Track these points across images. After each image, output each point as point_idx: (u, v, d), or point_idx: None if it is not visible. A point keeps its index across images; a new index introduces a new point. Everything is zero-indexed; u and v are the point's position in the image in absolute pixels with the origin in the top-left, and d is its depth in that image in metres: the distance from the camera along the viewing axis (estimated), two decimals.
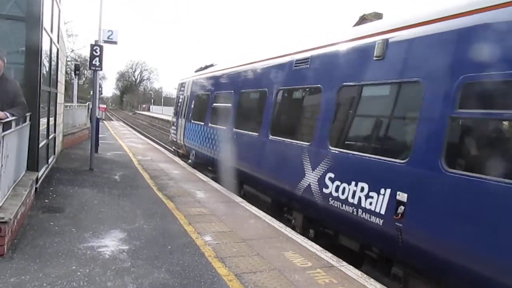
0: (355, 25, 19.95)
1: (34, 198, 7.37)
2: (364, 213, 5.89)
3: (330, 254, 5.96)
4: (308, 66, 7.92)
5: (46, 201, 7.65)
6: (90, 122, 15.16)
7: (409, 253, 5.29)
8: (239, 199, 9.27)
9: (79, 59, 52.70)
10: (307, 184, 7.31)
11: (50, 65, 9.40)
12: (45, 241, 5.51)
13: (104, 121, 39.18)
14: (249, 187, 10.42)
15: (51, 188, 8.60)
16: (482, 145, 4.87)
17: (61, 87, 13.17)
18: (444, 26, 5.16)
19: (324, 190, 6.80)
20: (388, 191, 5.48)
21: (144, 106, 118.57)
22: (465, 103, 4.77)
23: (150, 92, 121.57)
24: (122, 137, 23.59)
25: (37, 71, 7.36)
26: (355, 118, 6.80)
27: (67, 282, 4.34)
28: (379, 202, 5.62)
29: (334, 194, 6.55)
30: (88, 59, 11.71)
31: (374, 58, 6.16)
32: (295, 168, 7.65)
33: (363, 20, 23.62)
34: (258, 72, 10.31)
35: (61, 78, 13.20)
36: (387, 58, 5.95)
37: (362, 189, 5.97)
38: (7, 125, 5.29)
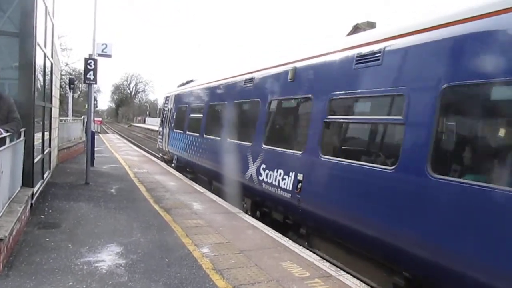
0: (348, 34, 20.23)
1: (29, 214, 7.32)
2: (281, 191, 8.02)
3: (328, 264, 5.95)
4: (252, 84, 10.19)
5: (42, 216, 7.59)
6: (86, 135, 15.13)
7: (305, 216, 7.61)
8: (236, 210, 9.24)
9: (73, 73, 52.57)
10: (250, 174, 9.45)
11: (44, 79, 9.41)
12: (41, 257, 5.47)
13: (99, 134, 39.12)
14: (216, 182, 12.46)
15: (47, 204, 8.55)
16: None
17: (55, 102, 13.16)
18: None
19: (259, 177, 8.98)
20: (293, 173, 7.73)
21: (139, 118, 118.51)
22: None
23: (145, 104, 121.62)
24: (117, 150, 23.53)
25: (31, 86, 7.36)
26: (275, 123, 9.41)
27: None
28: (289, 182, 7.80)
29: (265, 180, 8.74)
30: (83, 72, 11.73)
31: (289, 80, 8.37)
32: (243, 163, 9.81)
33: (356, 29, 23.81)
34: (220, 88, 12.74)
35: (56, 93, 13.20)
36: (296, 80, 8.22)
37: (280, 174, 8.17)
38: (1, 142, 5.29)
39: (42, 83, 9.10)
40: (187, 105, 16.32)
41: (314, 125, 7.32)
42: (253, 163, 9.32)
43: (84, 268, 5.20)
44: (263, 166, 8.89)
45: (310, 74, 7.89)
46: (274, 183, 8.33)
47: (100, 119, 52.19)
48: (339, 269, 5.74)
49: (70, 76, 38.68)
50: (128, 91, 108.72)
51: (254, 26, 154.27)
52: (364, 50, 6.36)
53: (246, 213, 9.35)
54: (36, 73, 7.62)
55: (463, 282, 4.55)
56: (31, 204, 7.60)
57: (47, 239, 6.26)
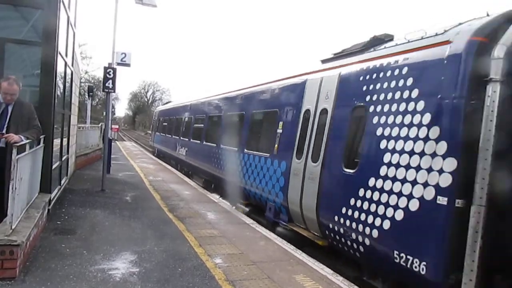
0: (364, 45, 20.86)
1: (46, 220, 7.43)
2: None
3: (341, 278, 5.89)
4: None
5: (58, 222, 7.70)
6: (103, 143, 15.33)
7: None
8: (249, 221, 9.23)
9: (92, 80, 53.58)
10: (177, 151, 20.79)
11: (64, 87, 9.59)
12: (57, 263, 5.54)
13: (116, 141, 39.54)
14: (171, 160, 23.41)
15: (63, 210, 8.67)
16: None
17: (74, 109, 13.39)
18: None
19: (180, 152, 19.92)
20: (178, 145, 20.46)
21: None
22: None
23: None
24: (133, 158, 23.77)
25: (52, 94, 7.50)
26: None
27: None
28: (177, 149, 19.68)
29: (181, 152, 19.70)
30: (102, 80, 11.91)
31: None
32: (174, 146, 21.52)
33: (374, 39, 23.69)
34: (181, 108, 22.45)
35: (75, 100, 13.43)
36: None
37: (175, 147, 20.85)
38: (21, 148, 5.38)
39: (62, 91, 9.27)
40: (162, 117, 29.12)
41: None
42: (178, 147, 20.93)
43: (98, 276, 5.25)
44: (184, 149, 19.61)
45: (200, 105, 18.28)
46: (171, 152, 22.75)
47: (117, 126, 52.77)
48: (352, 284, 5.68)
49: (89, 84, 39.43)
50: (145, 99, 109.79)
51: (275, 36, 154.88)
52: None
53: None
54: (56, 81, 7.77)
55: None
56: (48, 210, 7.71)
57: (63, 245, 6.34)
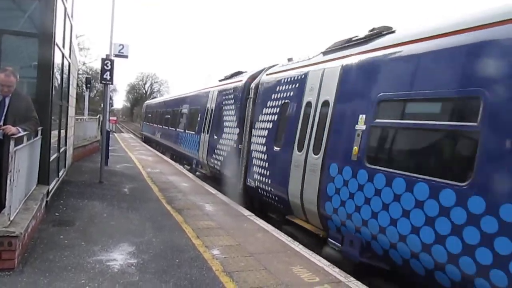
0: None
1: (44, 211, 7.45)
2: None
3: (338, 269, 5.93)
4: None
5: (56, 214, 7.73)
6: (101, 134, 15.33)
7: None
8: (247, 213, 9.27)
9: (90, 72, 53.30)
10: (159, 136, 27.43)
11: (62, 79, 9.56)
12: (55, 255, 5.57)
13: (114, 133, 39.50)
14: (152, 143, 29.92)
15: (61, 201, 8.70)
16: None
17: (72, 101, 13.35)
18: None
19: (158, 137, 27.26)
20: (158, 133, 27.71)
21: None
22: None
23: None
24: (132, 150, 23.77)
25: (49, 86, 7.49)
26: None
27: None
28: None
29: (160, 138, 26.50)
30: (100, 72, 11.89)
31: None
32: (154, 132, 29.75)
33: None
34: (160, 103, 30.58)
35: (72, 92, 13.38)
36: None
37: (159, 134, 26.67)
38: (19, 140, 5.39)
39: (59, 83, 9.24)
40: (147, 110, 38.03)
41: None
42: (156, 132, 28.63)
43: (96, 267, 5.29)
44: (159, 134, 27.07)
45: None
46: (151, 136, 31.45)
47: (115, 118, 52.64)
48: (348, 275, 5.72)
49: (87, 76, 39.24)
50: (143, 91, 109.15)
51: (272, 26, 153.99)
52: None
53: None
54: (54, 73, 7.75)
55: None
56: (46, 201, 7.74)
57: (61, 237, 6.37)
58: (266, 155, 9.80)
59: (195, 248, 6.40)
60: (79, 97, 35.01)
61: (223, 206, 9.83)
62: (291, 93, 9.03)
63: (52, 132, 8.01)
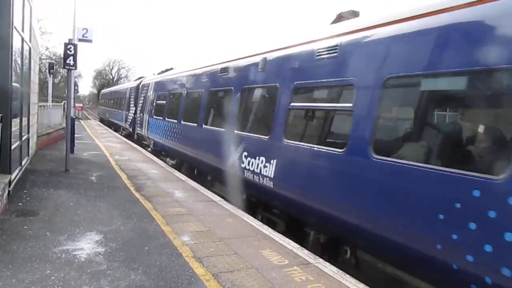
0: (332, 23, 20.90)
1: (7, 201, 7.21)
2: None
3: (306, 252, 6.03)
4: (119, 90, 35.99)
5: (20, 204, 7.50)
6: (66, 121, 14.91)
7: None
8: (217, 198, 9.26)
9: (54, 57, 51.45)
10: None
11: (22, 64, 9.20)
12: (19, 246, 5.42)
13: (80, 120, 38.56)
14: (108, 123, 39.22)
15: (25, 191, 8.45)
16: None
17: (34, 87, 12.90)
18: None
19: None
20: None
21: None
22: None
23: None
24: (99, 137, 23.28)
25: (8, 71, 7.21)
26: (113, 102, 38.05)
27: (41, 287, 4.29)
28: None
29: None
30: (63, 58, 11.51)
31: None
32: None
33: (340, 18, 23.81)
34: (110, 92, 44.78)
35: (34, 78, 12.92)
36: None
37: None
38: None
39: (20, 68, 8.90)
40: (102, 96, 52.30)
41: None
42: (106, 113, 42.37)
43: (62, 257, 5.18)
44: (107, 113, 40.92)
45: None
46: (102, 116, 46.53)
47: (81, 105, 51.22)
48: (317, 257, 5.83)
49: (50, 61, 37.89)
50: (110, 77, 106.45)
51: (236, 14, 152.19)
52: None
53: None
54: (13, 58, 7.45)
55: None
56: (9, 191, 7.49)
57: (25, 227, 6.20)
58: (140, 118, 21.43)
59: (165, 235, 6.36)
60: (43, 84, 33.88)
61: (193, 192, 9.78)
62: (147, 90, 20.28)
63: (13, 119, 7.73)
